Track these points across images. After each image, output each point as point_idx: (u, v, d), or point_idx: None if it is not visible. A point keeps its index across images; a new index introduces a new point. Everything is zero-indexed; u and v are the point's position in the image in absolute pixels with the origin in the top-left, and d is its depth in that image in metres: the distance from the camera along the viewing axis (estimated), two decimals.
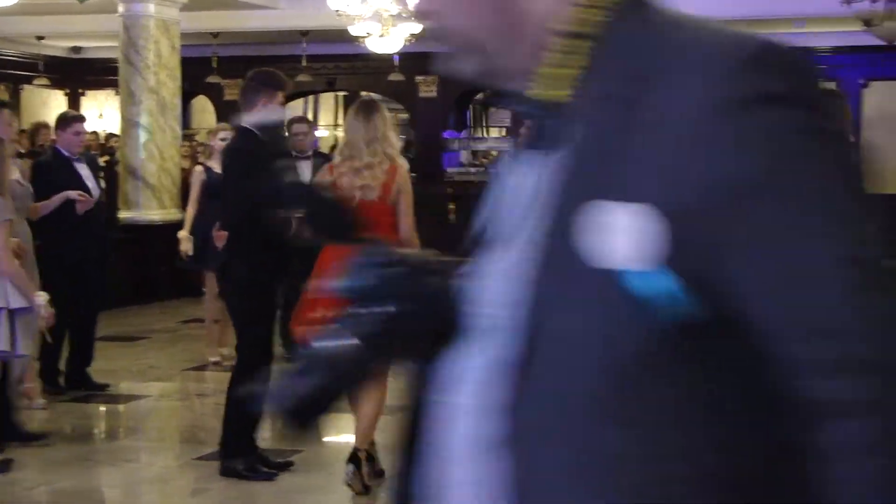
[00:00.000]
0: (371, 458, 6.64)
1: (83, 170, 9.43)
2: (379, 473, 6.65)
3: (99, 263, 9.51)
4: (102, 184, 9.91)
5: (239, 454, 6.86)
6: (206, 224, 9.55)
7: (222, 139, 9.91)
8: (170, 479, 7.19)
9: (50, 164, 9.38)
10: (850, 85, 21.18)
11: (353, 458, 6.58)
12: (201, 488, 6.92)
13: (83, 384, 9.34)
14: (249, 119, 6.83)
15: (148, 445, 8.16)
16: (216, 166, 9.60)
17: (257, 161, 6.65)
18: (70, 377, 9.39)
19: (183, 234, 10.39)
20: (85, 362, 9.42)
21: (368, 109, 6.65)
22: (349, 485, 6.52)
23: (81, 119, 9.77)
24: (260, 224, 6.50)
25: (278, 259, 6.71)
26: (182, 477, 7.27)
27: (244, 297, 6.75)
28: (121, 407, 9.19)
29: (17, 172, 8.62)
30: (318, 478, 6.99)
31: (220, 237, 6.89)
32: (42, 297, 6.90)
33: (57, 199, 9.00)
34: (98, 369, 9.89)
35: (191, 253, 10.23)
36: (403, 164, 6.74)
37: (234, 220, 6.74)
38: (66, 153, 9.34)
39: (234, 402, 6.81)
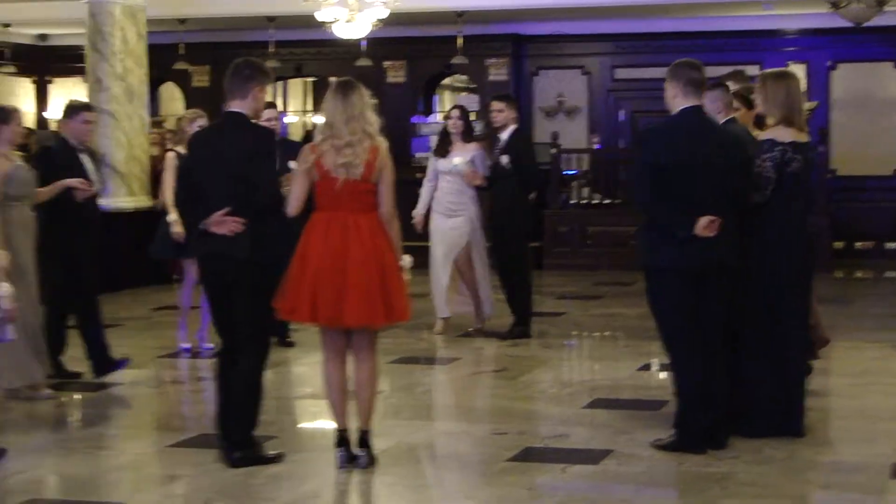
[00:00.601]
0: (365, 443, 6.84)
1: (86, 160, 9.43)
2: (372, 460, 6.84)
3: (93, 253, 9.50)
4: (101, 175, 9.87)
5: (253, 441, 6.99)
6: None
7: (199, 126, 9.86)
8: (143, 467, 7.18)
9: (55, 152, 9.36)
10: (817, 67, 21.26)
11: (341, 439, 6.84)
12: (176, 475, 6.92)
13: (57, 373, 9.31)
14: (242, 106, 6.96)
15: (121, 433, 8.15)
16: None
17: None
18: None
19: (173, 217, 10.27)
20: (57, 351, 9.39)
21: (347, 88, 6.76)
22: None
23: (89, 108, 9.66)
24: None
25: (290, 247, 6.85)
26: (156, 464, 7.27)
27: (270, 287, 6.78)
28: (94, 395, 9.18)
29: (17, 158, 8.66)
30: (294, 465, 6.99)
31: (234, 223, 6.75)
32: (5, 289, 6.90)
33: (58, 186, 9.01)
34: (70, 356, 9.88)
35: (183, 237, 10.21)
36: (383, 142, 6.82)
37: (272, 203, 6.82)
38: (73, 142, 9.29)
39: (259, 389, 6.98)
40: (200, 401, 8.86)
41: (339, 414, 6.86)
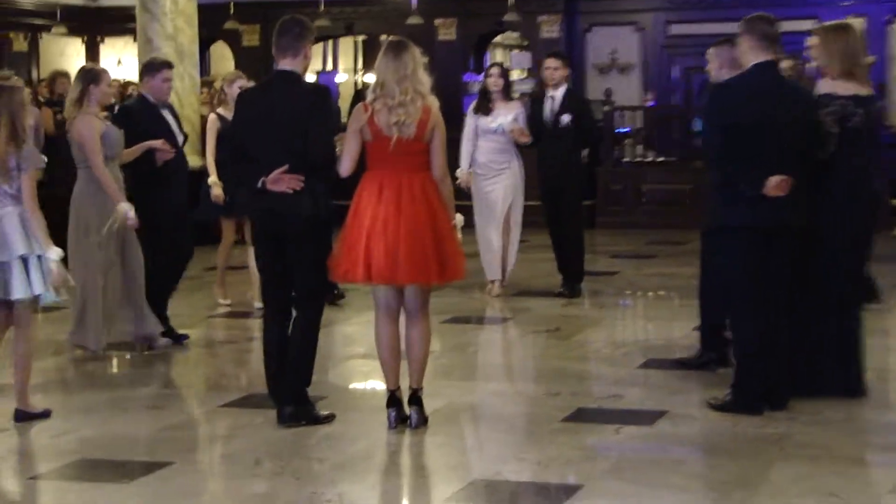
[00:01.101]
0: (418, 402, 6.86)
1: (169, 118, 9.40)
2: (423, 419, 6.87)
3: (183, 210, 9.52)
4: (184, 133, 9.81)
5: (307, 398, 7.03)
6: (227, 171, 9.78)
7: (240, 87, 9.90)
8: (194, 427, 7.19)
9: (136, 111, 9.32)
10: (875, 22, 20.98)
11: (392, 398, 6.83)
12: (227, 435, 6.93)
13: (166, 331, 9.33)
14: (294, 64, 6.98)
15: (172, 393, 8.17)
16: (230, 114, 9.52)
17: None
18: None
19: (213, 179, 10.50)
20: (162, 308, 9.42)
21: (398, 48, 6.76)
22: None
23: (170, 65, 9.52)
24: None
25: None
26: (206, 424, 7.27)
27: (328, 243, 6.93)
28: (145, 355, 9.19)
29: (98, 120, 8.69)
30: (344, 425, 6.96)
31: (294, 180, 6.78)
32: (55, 253, 6.96)
33: (142, 147, 9.02)
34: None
35: (222, 200, 10.39)
36: (434, 101, 6.82)
37: (327, 160, 6.88)
38: (153, 100, 9.24)
39: (315, 344, 7.06)
40: (250, 361, 8.85)
41: (391, 374, 6.85)
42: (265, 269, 7.12)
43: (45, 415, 7.15)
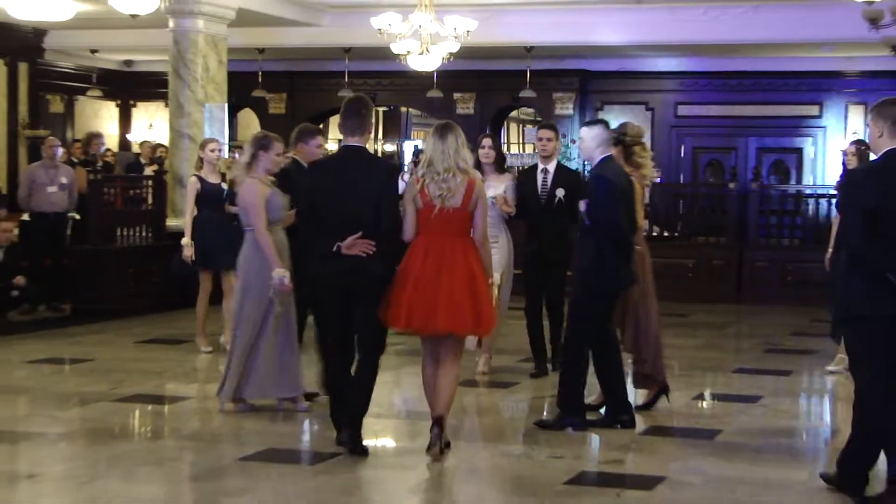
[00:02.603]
0: (440, 426, 7.47)
1: None
2: (447, 444, 7.53)
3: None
4: None
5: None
6: (209, 227, 11.24)
7: (212, 150, 11.60)
8: (213, 479, 7.22)
9: (294, 175, 9.42)
10: None
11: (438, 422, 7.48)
12: (245, 487, 6.96)
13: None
14: (361, 141, 7.68)
15: (191, 445, 8.20)
16: (209, 177, 11.40)
17: None
18: None
19: (186, 240, 11.36)
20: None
21: (445, 130, 7.52)
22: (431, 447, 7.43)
23: (321, 132, 9.61)
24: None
25: None
26: (226, 477, 7.30)
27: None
28: (165, 407, 9.25)
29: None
30: (357, 481, 7.00)
31: (366, 245, 7.44)
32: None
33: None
34: (145, 370, 9.95)
35: (194, 258, 11.28)
36: (477, 175, 7.64)
37: (394, 227, 7.51)
38: (305, 165, 9.14)
39: (374, 381, 7.69)
40: (265, 417, 8.87)
41: (433, 405, 7.51)
42: (328, 321, 7.81)
43: None
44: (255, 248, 8.64)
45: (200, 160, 11.71)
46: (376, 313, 7.46)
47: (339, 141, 9.72)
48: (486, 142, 10.79)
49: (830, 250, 10.99)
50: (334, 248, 7.44)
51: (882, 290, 6.37)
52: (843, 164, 10.81)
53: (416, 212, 7.45)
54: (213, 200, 11.46)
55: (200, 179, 11.49)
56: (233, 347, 8.81)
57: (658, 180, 20.90)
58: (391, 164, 8.20)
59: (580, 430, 8.32)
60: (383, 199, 7.46)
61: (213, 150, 11.68)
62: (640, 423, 8.74)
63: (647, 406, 9.04)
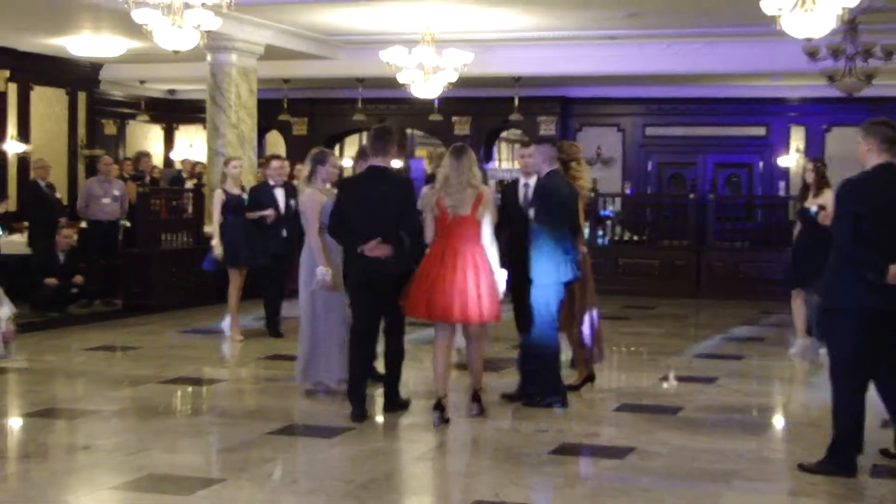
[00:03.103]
0: (478, 399, 7.99)
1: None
2: (483, 410, 7.98)
3: None
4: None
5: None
6: (234, 230, 11.50)
7: (234, 167, 11.87)
8: (244, 450, 7.19)
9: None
10: (815, 129, 21.09)
11: (438, 404, 7.75)
12: (271, 458, 6.92)
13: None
14: (384, 162, 7.97)
15: (225, 421, 8.16)
16: (232, 189, 11.76)
17: None
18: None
19: (216, 242, 11.58)
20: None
21: (460, 152, 7.82)
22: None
23: (332, 154, 9.47)
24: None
25: None
26: (255, 448, 7.27)
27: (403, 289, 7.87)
28: (203, 388, 9.22)
29: None
30: (371, 452, 6.97)
31: (384, 249, 7.73)
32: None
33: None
34: (186, 356, 9.88)
35: (223, 256, 11.53)
36: (486, 189, 7.86)
37: (414, 233, 7.86)
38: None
39: (402, 357, 8.16)
40: (291, 396, 8.84)
41: (441, 383, 7.77)
42: (360, 306, 7.95)
43: None
44: (310, 250, 8.61)
45: (224, 175, 11.88)
46: (396, 304, 7.75)
47: (354, 158, 9.71)
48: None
49: (792, 253, 11.02)
50: (358, 251, 7.75)
51: (862, 286, 6.34)
52: (803, 178, 10.85)
53: (435, 219, 7.71)
54: (236, 208, 11.62)
55: (225, 191, 11.67)
56: (311, 334, 8.69)
57: (629, 191, 20.92)
58: (409, 180, 8.47)
59: (563, 407, 8.30)
60: (406, 209, 7.80)
61: (235, 167, 11.88)
62: (613, 400, 8.72)
63: (575, 388, 8.91)
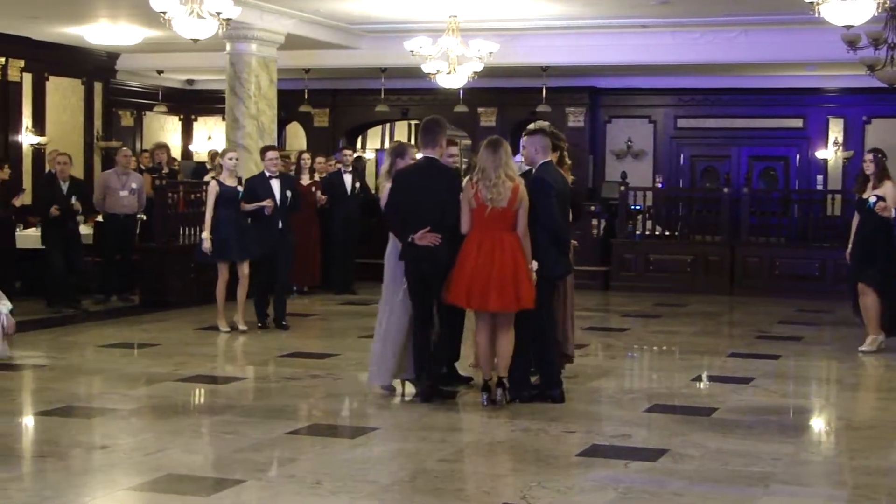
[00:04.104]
0: (503, 386, 8.30)
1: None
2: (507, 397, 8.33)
3: None
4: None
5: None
6: (226, 224, 11.71)
7: (230, 158, 11.97)
8: (264, 450, 7.19)
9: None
10: (854, 121, 20.94)
11: (486, 386, 8.28)
12: (292, 458, 6.93)
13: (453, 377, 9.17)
14: (434, 153, 8.36)
15: (244, 420, 8.17)
16: (227, 180, 11.89)
17: None
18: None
19: (206, 234, 11.82)
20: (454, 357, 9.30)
21: (496, 145, 8.16)
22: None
23: (412, 146, 9.36)
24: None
25: None
26: (275, 448, 7.28)
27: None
28: (224, 387, 9.25)
29: None
30: (393, 453, 6.96)
31: (435, 237, 8.15)
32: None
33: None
34: (204, 353, 9.90)
35: (212, 250, 11.79)
36: (521, 181, 8.12)
37: (456, 223, 8.16)
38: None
39: (447, 341, 8.67)
40: (311, 395, 8.86)
41: (487, 367, 8.27)
42: (414, 293, 8.38)
43: None
44: (395, 243, 8.60)
45: (220, 166, 12.09)
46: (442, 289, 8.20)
47: (377, 150, 9.91)
48: (453, 149, 10.70)
49: (851, 246, 10.99)
50: (409, 240, 8.18)
51: None
52: (861, 169, 11.03)
53: (471, 210, 8.05)
54: (230, 200, 11.82)
55: (219, 183, 11.87)
56: (385, 334, 8.60)
57: (660, 185, 20.85)
58: (455, 171, 8.83)
59: (561, 402, 8.46)
60: (449, 200, 8.16)
61: (230, 159, 12.05)
62: (644, 401, 8.69)
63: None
